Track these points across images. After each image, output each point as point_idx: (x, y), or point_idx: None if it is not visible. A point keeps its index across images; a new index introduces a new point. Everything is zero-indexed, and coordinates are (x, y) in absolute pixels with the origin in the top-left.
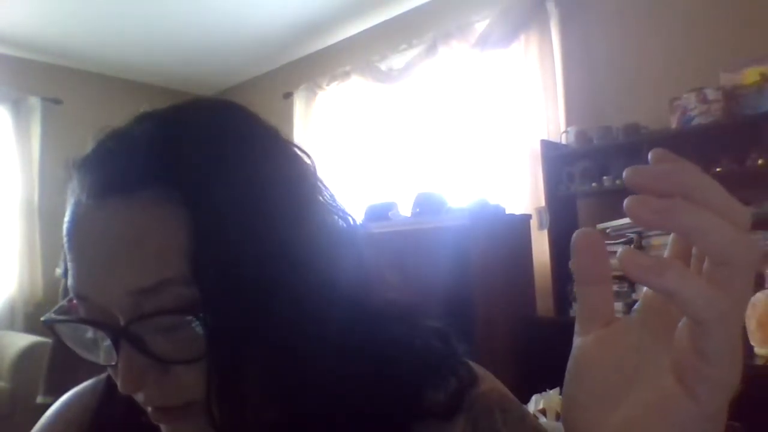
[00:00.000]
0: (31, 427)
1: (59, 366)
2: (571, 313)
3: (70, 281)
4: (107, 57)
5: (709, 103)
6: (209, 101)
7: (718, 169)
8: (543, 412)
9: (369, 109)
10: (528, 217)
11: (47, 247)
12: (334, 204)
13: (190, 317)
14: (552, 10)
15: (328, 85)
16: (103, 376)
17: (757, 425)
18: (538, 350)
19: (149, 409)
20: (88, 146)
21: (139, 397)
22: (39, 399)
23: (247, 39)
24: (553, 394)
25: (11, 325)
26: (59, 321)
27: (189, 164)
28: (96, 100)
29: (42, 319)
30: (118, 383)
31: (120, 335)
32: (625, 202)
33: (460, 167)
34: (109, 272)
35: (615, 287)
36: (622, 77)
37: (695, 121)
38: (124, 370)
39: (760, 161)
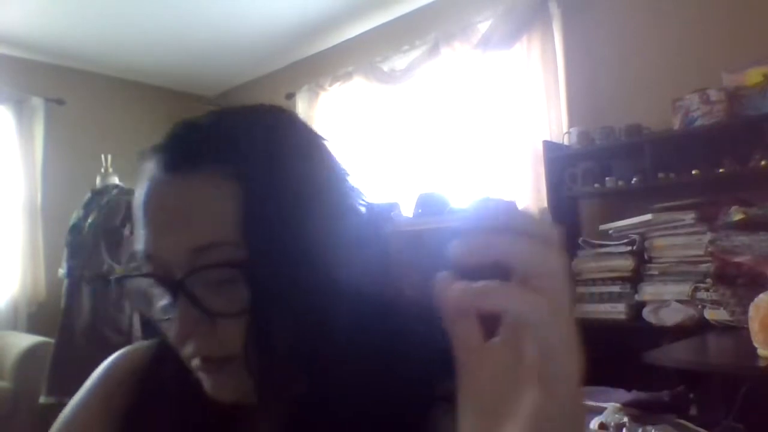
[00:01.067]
0: (33, 428)
1: (62, 366)
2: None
3: (138, 245)
4: (110, 58)
5: (712, 104)
6: (267, 105)
7: (720, 170)
8: None
9: (371, 109)
10: None
11: (50, 247)
12: (361, 199)
13: (237, 273)
14: (554, 10)
15: (330, 85)
16: (151, 341)
17: (759, 426)
18: None
19: (195, 360)
20: (92, 147)
21: (188, 349)
22: (41, 399)
23: (250, 40)
24: None
25: (14, 325)
26: (127, 276)
27: (244, 149)
28: (99, 101)
29: (113, 276)
30: (173, 332)
31: (177, 287)
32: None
33: (463, 168)
34: (172, 233)
35: (617, 288)
36: (624, 78)
37: (698, 122)
38: (180, 320)
39: (763, 162)
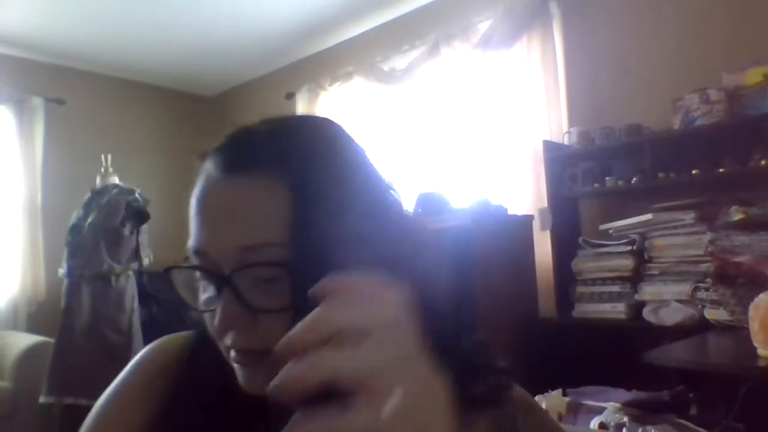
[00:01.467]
0: (33, 428)
1: (61, 366)
2: (574, 314)
3: (190, 241)
4: (110, 58)
5: (712, 104)
6: (318, 116)
7: (720, 170)
8: None
9: (371, 109)
10: (530, 217)
11: (50, 247)
12: (401, 209)
13: (282, 272)
14: (554, 10)
15: (330, 85)
16: (188, 332)
17: (759, 426)
18: (540, 351)
19: (233, 352)
20: (92, 147)
21: (228, 340)
22: (41, 399)
23: (250, 39)
24: (556, 395)
25: (14, 325)
26: (178, 267)
27: (296, 156)
28: (99, 101)
29: (165, 267)
30: (215, 323)
31: (224, 282)
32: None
33: (463, 168)
34: (224, 231)
35: (617, 287)
36: (624, 78)
37: (698, 122)
38: (223, 312)
39: (763, 162)
